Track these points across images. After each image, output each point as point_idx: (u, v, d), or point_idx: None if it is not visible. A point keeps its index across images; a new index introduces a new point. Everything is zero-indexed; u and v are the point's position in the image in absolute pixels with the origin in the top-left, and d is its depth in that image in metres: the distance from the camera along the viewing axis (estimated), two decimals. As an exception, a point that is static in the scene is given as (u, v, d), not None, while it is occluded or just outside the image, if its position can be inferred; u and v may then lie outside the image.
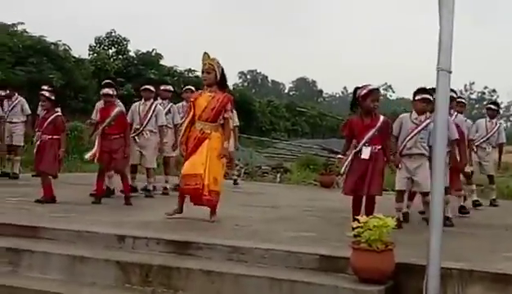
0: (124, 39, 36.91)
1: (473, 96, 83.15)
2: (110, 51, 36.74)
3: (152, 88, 8.95)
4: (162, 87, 9.52)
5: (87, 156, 7.86)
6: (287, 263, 4.71)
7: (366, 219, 4.33)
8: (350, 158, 5.92)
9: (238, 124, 10.73)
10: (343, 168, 6.00)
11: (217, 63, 6.38)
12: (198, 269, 4.64)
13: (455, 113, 7.91)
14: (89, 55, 35.37)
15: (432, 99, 6.40)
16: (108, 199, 7.90)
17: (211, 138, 6.31)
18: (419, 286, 4.11)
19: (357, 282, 4.27)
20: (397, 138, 6.52)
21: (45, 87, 8.11)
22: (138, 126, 8.60)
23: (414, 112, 6.62)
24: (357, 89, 6.01)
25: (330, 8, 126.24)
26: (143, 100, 8.80)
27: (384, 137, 6.02)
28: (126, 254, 5.04)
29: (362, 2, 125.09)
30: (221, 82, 6.41)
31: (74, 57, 31.06)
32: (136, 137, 8.53)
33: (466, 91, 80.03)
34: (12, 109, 10.69)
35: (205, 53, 6.38)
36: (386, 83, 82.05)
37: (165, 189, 9.08)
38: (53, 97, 7.72)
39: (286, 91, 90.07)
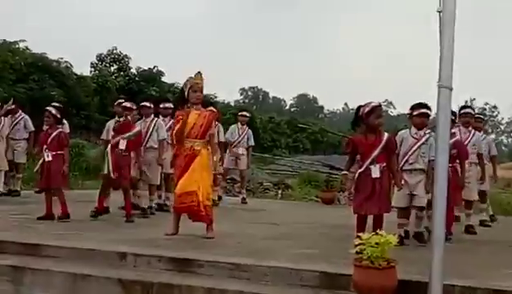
0: (126, 56, 37.14)
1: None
2: (112, 68, 36.92)
3: (149, 104, 8.97)
4: (161, 105, 9.50)
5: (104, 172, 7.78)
6: (289, 280, 4.68)
7: (368, 236, 4.32)
8: (356, 176, 5.93)
9: (238, 140, 11.32)
10: (352, 187, 6.08)
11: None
12: (200, 286, 4.62)
13: (473, 131, 7.92)
14: (91, 72, 35.55)
15: (430, 113, 6.47)
16: (106, 216, 7.87)
17: (202, 155, 6.39)
18: (422, 303, 4.08)
19: (359, 300, 4.24)
20: (397, 154, 6.53)
21: (55, 104, 8.16)
22: None
23: (413, 127, 6.66)
24: (359, 107, 6.04)
25: (332, 25, 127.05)
26: (143, 118, 8.82)
27: (390, 154, 6.03)
28: (128, 272, 5.02)
29: (364, 20, 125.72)
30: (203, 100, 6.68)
31: (76, 74, 31.18)
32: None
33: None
34: (15, 125, 10.63)
35: (199, 72, 6.49)
36: (387, 100, 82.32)
37: (165, 206, 9.05)
38: (59, 115, 7.72)
39: (287, 107, 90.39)
